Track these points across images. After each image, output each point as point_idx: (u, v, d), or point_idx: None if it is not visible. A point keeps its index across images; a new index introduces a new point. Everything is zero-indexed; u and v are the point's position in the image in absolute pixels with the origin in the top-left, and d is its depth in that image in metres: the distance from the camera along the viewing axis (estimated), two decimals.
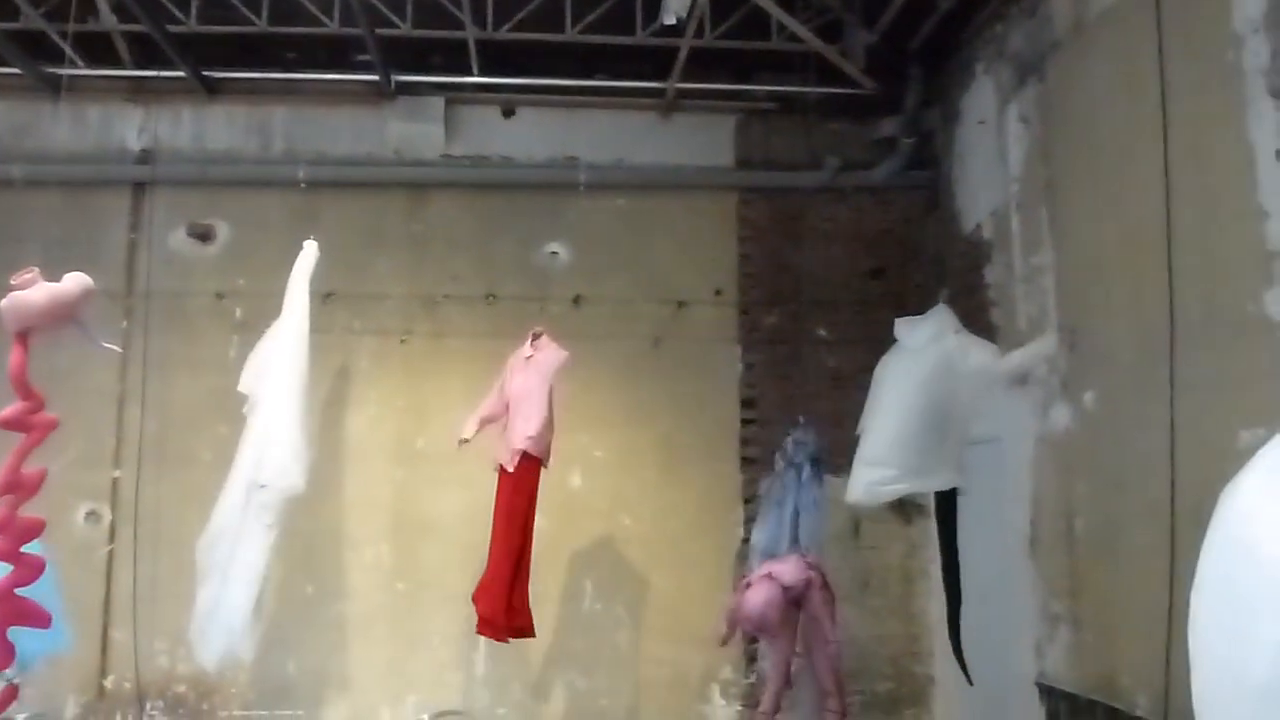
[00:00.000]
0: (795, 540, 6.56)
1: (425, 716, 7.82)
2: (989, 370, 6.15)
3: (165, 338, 8.10)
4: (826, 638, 6.46)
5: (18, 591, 4.64)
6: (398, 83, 8.37)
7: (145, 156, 8.42)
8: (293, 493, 6.16)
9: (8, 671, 4.77)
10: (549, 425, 6.88)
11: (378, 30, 7.68)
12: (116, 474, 8.00)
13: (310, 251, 6.87)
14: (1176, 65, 5.10)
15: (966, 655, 6.46)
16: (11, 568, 4.64)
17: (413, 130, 8.50)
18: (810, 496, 6.71)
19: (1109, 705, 5.64)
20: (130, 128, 8.46)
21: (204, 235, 8.36)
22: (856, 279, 8.55)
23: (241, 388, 6.63)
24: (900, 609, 8.23)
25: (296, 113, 8.55)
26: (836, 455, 6.88)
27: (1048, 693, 6.40)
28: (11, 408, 4.75)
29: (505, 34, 7.88)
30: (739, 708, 8.06)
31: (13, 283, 4.81)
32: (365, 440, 8.16)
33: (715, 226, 8.60)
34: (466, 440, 6.94)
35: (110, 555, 7.89)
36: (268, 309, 7.81)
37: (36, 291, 4.77)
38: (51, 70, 7.81)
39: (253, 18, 7.79)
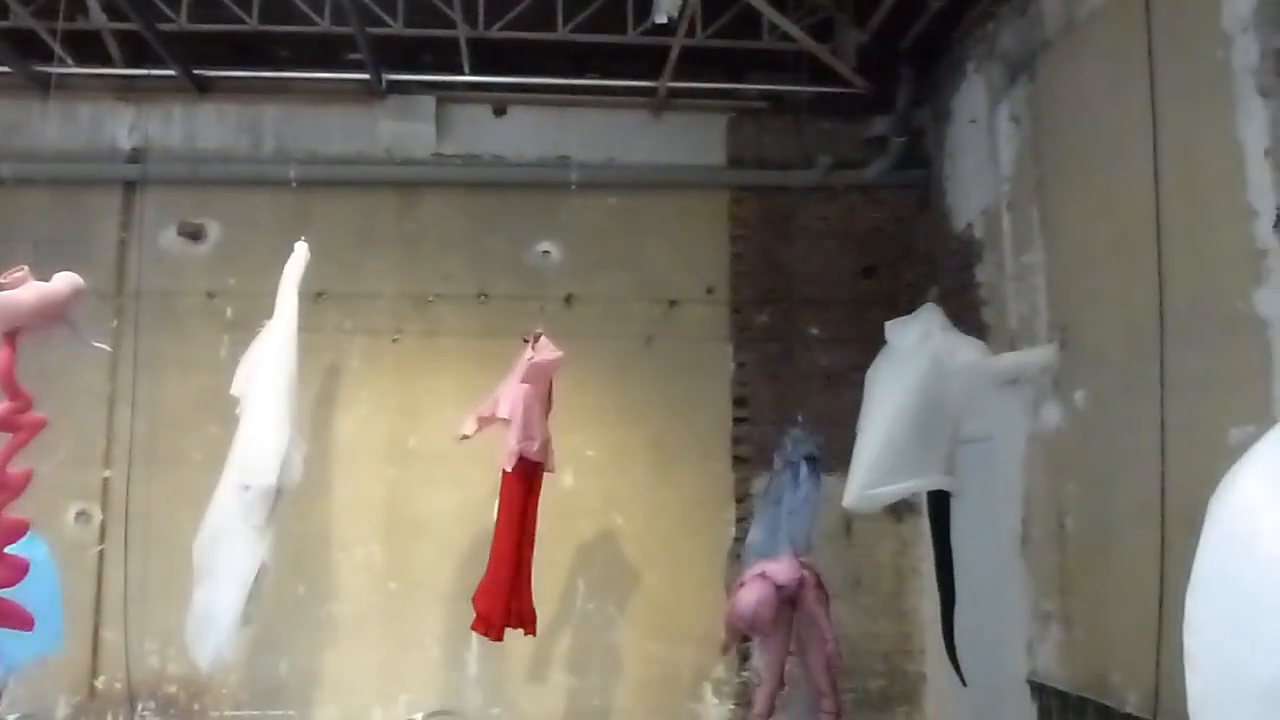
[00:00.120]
0: (789, 539, 6.57)
1: (417, 716, 7.81)
2: (977, 367, 6.15)
3: (156, 337, 8.08)
4: (824, 636, 6.47)
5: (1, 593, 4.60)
6: (389, 81, 8.36)
7: (136, 155, 8.40)
8: (268, 490, 6.13)
9: None
10: (543, 426, 6.87)
11: (369, 29, 7.67)
12: (107, 474, 7.98)
13: (301, 253, 6.85)
14: (1166, 64, 5.11)
15: (960, 656, 6.47)
16: None
17: (404, 129, 8.49)
18: (804, 495, 6.72)
19: (1100, 703, 5.66)
20: (121, 126, 8.43)
21: (195, 234, 8.34)
22: (848, 278, 8.56)
23: (234, 390, 6.61)
24: (892, 607, 8.24)
25: (287, 111, 8.53)
26: (831, 454, 6.88)
27: (1039, 690, 6.42)
28: None
29: (496, 33, 7.86)
30: (731, 706, 8.07)
31: (2, 281, 4.79)
32: (357, 440, 8.15)
33: (707, 225, 8.61)
34: (467, 436, 6.94)
35: (101, 555, 7.86)
36: (259, 308, 7.79)
37: (26, 291, 4.74)
38: (41, 68, 7.77)
39: (243, 16, 7.77)
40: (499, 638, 6.79)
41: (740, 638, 7.12)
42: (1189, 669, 2.54)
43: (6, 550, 4.58)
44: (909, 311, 6.70)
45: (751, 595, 6.25)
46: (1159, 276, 5.09)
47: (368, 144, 8.52)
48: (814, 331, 8.47)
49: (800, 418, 7.03)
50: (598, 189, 8.49)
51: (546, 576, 7.80)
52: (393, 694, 7.90)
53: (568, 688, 8.01)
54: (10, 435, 4.72)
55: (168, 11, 7.71)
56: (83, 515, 7.91)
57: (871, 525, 8.08)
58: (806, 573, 6.43)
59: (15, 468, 4.64)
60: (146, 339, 8.02)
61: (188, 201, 8.35)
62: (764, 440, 8.12)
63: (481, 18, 7.83)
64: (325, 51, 8.35)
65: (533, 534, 6.85)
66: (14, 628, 4.64)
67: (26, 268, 4.85)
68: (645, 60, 8.24)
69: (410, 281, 8.33)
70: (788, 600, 6.37)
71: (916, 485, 6.14)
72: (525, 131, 8.64)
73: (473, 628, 6.81)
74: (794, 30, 7.65)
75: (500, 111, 8.69)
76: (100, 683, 7.76)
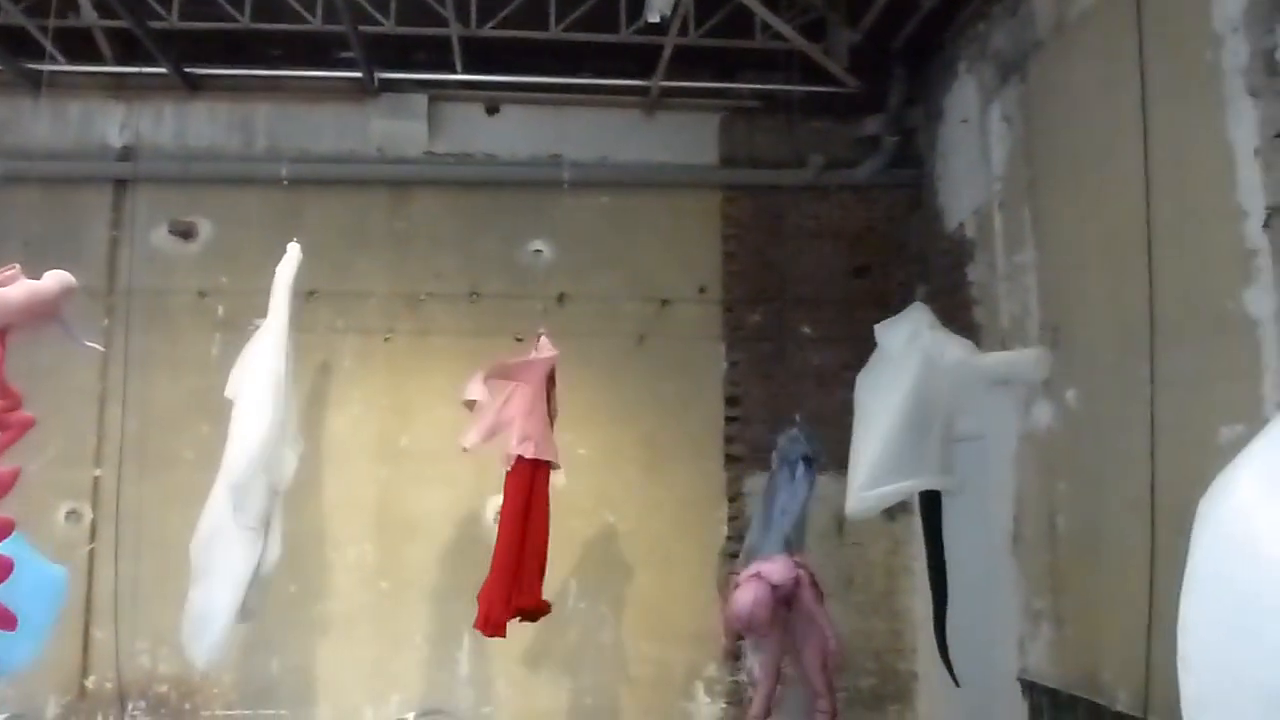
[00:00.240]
0: (783, 539, 6.57)
1: (409, 715, 7.81)
2: (966, 365, 6.16)
3: (147, 336, 8.06)
4: (825, 634, 6.49)
5: None
6: (381, 80, 8.34)
7: (127, 153, 8.37)
8: (237, 488, 6.13)
9: None
10: (539, 426, 6.87)
11: (361, 27, 7.65)
12: (97, 473, 7.96)
13: (293, 254, 6.83)
14: (1157, 65, 5.13)
15: (953, 655, 6.48)
16: None
17: (396, 127, 8.47)
18: (799, 495, 6.73)
19: (1091, 701, 5.68)
20: (111, 124, 8.41)
21: (186, 233, 8.31)
22: (840, 277, 8.57)
23: (227, 393, 6.59)
24: (884, 605, 8.26)
25: (279, 110, 8.51)
26: (824, 453, 6.90)
27: (1030, 688, 6.44)
28: None
29: (489, 31, 7.86)
30: (723, 705, 8.07)
31: None
32: (348, 439, 8.13)
33: (699, 224, 8.61)
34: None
35: (91, 554, 7.84)
36: (250, 307, 7.79)
37: (15, 289, 4.72)
38: (32, 66, 7.73)
39: (235, 14, 7.75)
40: (500, 634, 6.76)
41: (738, 638, 7.13)
42: (1184, 670, 2.52)
43: None
44: (901, 311, 6.72)
45: (747, 596, 6.25)
46: (1149, 276, 5.11)
47: (360, 142, 8.50)
48: (806, 330, 8.48)
49: (796, 417, 7.04)
50: (590, 188, 8.48)
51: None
52: (384, 693, 7.89)
53: (559, 687, 8.01)
54: None
55: (159, 9, 7.69)
56: (73, 514, 7.89)
57: (864, 524, 8.07)
58: (802, 572, 6.43)
59: (3, 466, 4.62)
60: (137, 337, 8.00)
61: (179, 200, 8.33)
62: (756, 439, 8.13)
63: (474, 16, 7.82)
64: (317, 50, 8.33)
65: (540, 531, 6.82)
66: None
67: (18, 266, 4.84)
68: (638, 59, 8.24)
69: (402, 280, 8.32)
70: (783, 600, 6.38)
71: (916, 485, 6.14)
72: (517, 130, 8.64)
73: (475, 625, 6.80)
74: (786, 30, 7.66)
75: (493, 110, 8.68)
76: (90, 682, 7.74)
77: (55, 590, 5.11)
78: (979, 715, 7.03)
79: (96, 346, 6.19)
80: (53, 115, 8.16)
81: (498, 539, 6.83)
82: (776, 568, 6.35)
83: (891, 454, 5.91)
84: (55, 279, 4.84)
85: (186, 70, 8.19)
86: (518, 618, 6.80)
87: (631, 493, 8.22)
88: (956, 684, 6.53)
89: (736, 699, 8.04)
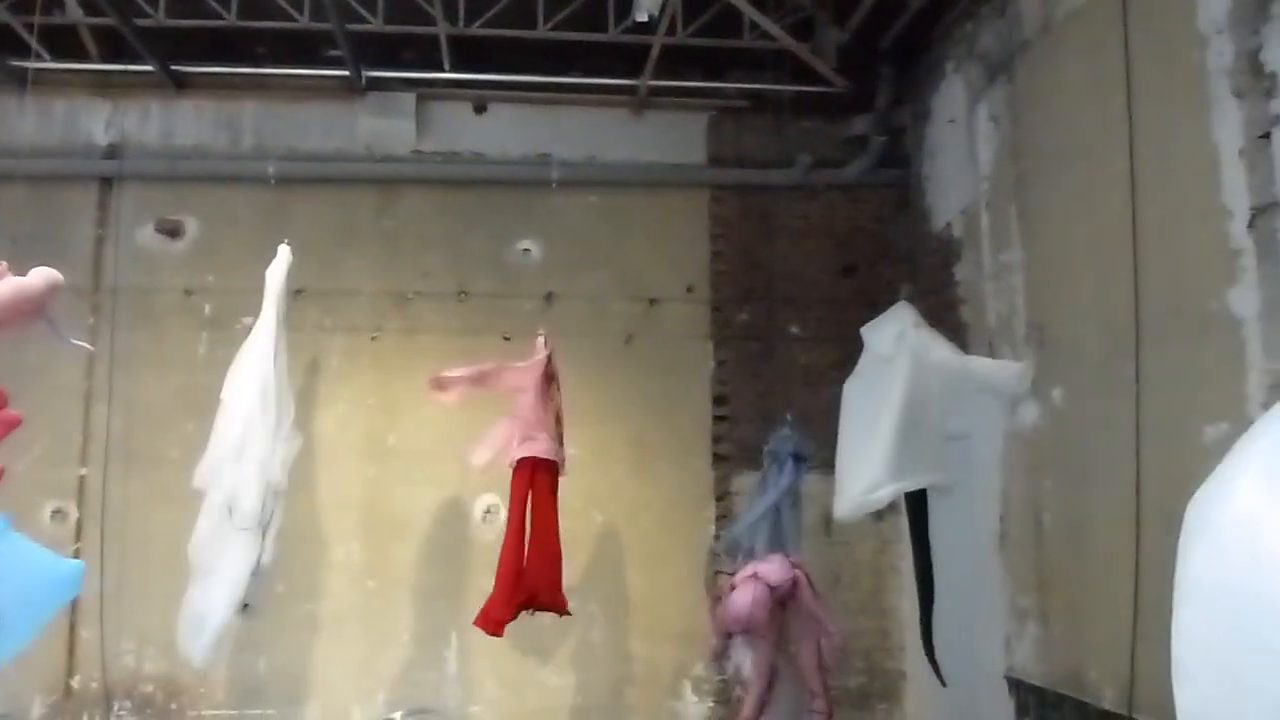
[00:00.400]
0: (778, 539, 6.58)
1: (397, 715, 7.79)
2: (950, 365, 6.17)
3: (133, 334, 8.02)
4: (828, 630, 6.55)
5: None
6: (368, 78, 8.32)
7: (113, 151, 8.34)
8: (207, 492, 6.16)
9: None
10: (539, 427, 6.88)
11: (348, 25, 7.63)
12: (83, 472, 7.92)
13: (283, 256, 6.80)
14: (1143, 66, 5.16)
15: (939, 656, 6.50)
16: None
17: (384, 126, 8.45)
18: (792, 495, 6.74)
19: (1077, 699, 5.71)
20: (97, 122, 8.37)
21: (172, 231, 8.28)
22: (828, 276, 8.58)
23: (223, 395, 6.59)
24: (871, 604, 8.27)
25: (266, 108, 8.48)
26: (812, 452, 6.91)
27: (1017, 686, 6.47)
28: None
29: (477, 30, 7.84)
30: (711, 704, 8.08)
31: None
32: (336, 438, 8.11)
33: (687, 224, 8.61)
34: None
35: (76, 554, 7.78)
36: (237, 306, 7.80)
37: (1, 286, 4.70)
38: (17, 64, 7.69)
39: (222, 12, 7.72)
40: (498, 633, 6.78)
41: (728, 637, 7.13)
42: (1181, 679, 2.46)
43: None
44: (887, 310, 6.73)
45: (746, 596, 6.25)
46: (1135, 275, 5.13)
47: (347, 141, 8.48)
48: (794, 330, 8.50)
49: (788, 416, 7.05)
50: (578, 187, 8.48)
51: None
52: (372, 692, 7.87)
53: (547, 685, 8.00)
54: None
55: (145, 7, 7.66)
56: (58, 514, 7.84)
57: (851, 523, 8.06)
58: (799, 572, 6.44)
59: None
60: (123, 336, 7.97)
61: (165, 198, 8.29)
62: (744, 439, 8.14)
63: (462, 15, 7.80)
64: (304, 48, 8.31)
65: (546, 530, 6.83)
66: None
67: (4, 264, 4.81)
68: (626, 58, 8.24)
69: (390, 279, 8.30)
70: (779, 601, 6.38)
71: (913, 485, 6.13)
72: (506, 129, 8.63)
73: (474, 622, 6.81)
74: (774, 29, 7.67)
75: (480, 109, 8.67)
76: (76, 682, 7.70)
77: (68, 583, 5.05)
78: (966, 713, 7.05)
79: (84, 345, 6.17)
80: (38, 113, 8.12)
81: (504, 537, 6.88)
82: (774, 568, 6.36)
83: (890, 456, 5.91)
84: (41, 276, 4.80)
85: (173, 68, 8.16)
86: (530, 611, 6.83)
87: (620, 492, 8.22)
88: (943, 684, 6.55)
89: (724, 698, 8.05)
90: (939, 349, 6.18)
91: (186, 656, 6.32)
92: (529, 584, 6.75)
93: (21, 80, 7.58)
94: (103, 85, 8.33)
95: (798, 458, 6.78)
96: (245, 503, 6.13)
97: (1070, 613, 5.93)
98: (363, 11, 7.75)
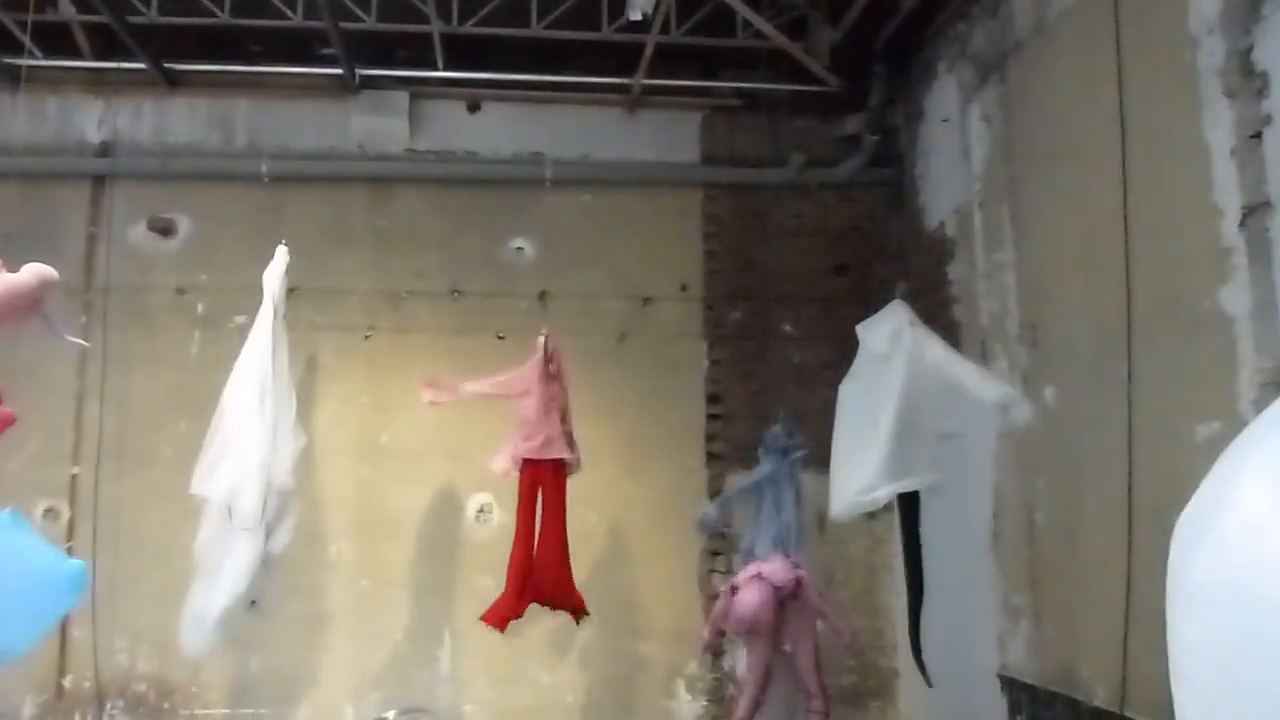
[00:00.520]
0: (779, 539, 6.58)
1: (390, 714, 7.78)
2: (943, 366, 6.17)
3: (125, 333, 8.00)
4: (838, 628, 6.57)
5: None
6: (362, 77, 8.31)
7: (105, 149, 8.32)
8: (204, 497, 6.18)
9: None
10: (542, 426, 6.89)
11: (341, 24, 7.63)
12: (75, 470, 7.90)
13: (281, 257, 6.78)
14: (1134, 66, 5.17)
15: (926, 656, 6.49)
16: None
17: (377, 124, 8.44)
18: (792, 494, 6.75)
19: (1069, 696, 5.72)
20: (90, 120, 8.35)
21: (165, 229, 8.27)
22: (821, 275, 8.59)
23: (223, 397, 6.58)
24: (864, 603, 8.28)
25: (259, 106, 8.47)
26: (807, 451, 6.91)
27: (1009, 685, 6.48)
28: None
29: (470, 28, 7.84)
30: (704, 702, 8.09)
31: None
32: (328, 436, 8.09)
33: (681, 222, 8.62)
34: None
35: (69, 552, 7.76)
36: (230, 304, 7.79)
37: None
38: (10, 61, 7.68)
39: (215, 9, 7.70)
40: (500, 627, 6.83)
41: (720, 635, 7.13)
42: (1183, 689, 2.38)
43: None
44: (881, 309, 6.73)
45: (753, 598, 6.23)
46: (1127, 274, 5.15)
47: (340, 139, 8.47)
48: (787, 328, 8.51)
49: (783, 415, 7.05)
50: (571, 186, 8.49)
51: None
52: (364, 691, 7.87)
53: (540, 684, 8.00)
54: None
55: (138, 4, 7.64)
56: (51, 512, 7.83)
57: (844, 522, 8.09)
58: (801, 572, 6.45)
59: None
60: (116, 335, 7.94)
61: (158, 196, 8.28)
62: (737, 437, 8.15)
63: (455, 13, 7.80)
64: (298, 46, 8.30)
65: (553, 529, 6.88)
66: None
67: None
68: (619, 57, 8.24)
69: (383, 278, 8.30)
70: (781, 601, 6.38)
71: (911, 485, 6.13)
72: (499, 128, 8.62)
73: (480, 618, 6.86)
74: (768, 28, 7.68)
75: (474, 107, 8.67)
76: (68, 681, 7.69)
77: (71, 584, 5.03)
78: (959, 712, 7.07)
79: (80, 341, 6.15)
80: (31, 110, 8.09)
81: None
82: (777, 568, 6.35)
83: (887, 456, 5.90)
84: (33, 272, 4.75)
85: (166, 66, 8.14)
86: (551, 608, 6.94)
87: (612, 490, 8.21)
88: (929, 684, 6.55)
89: (717, 696, 8.06)
90: (934, 349, 6.18)
91: (187, 650, 6.33)
92: (537, 582, 6.80)
93: (14, 77, 7.57)
94: (95, 83, 8.31)
95: (784, 451, 6.78)
96: (245, 503, 6.13)
97: (1063, 611, 5.94)
98: (356, 10, 7.74)
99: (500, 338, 8.01)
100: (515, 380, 7.03)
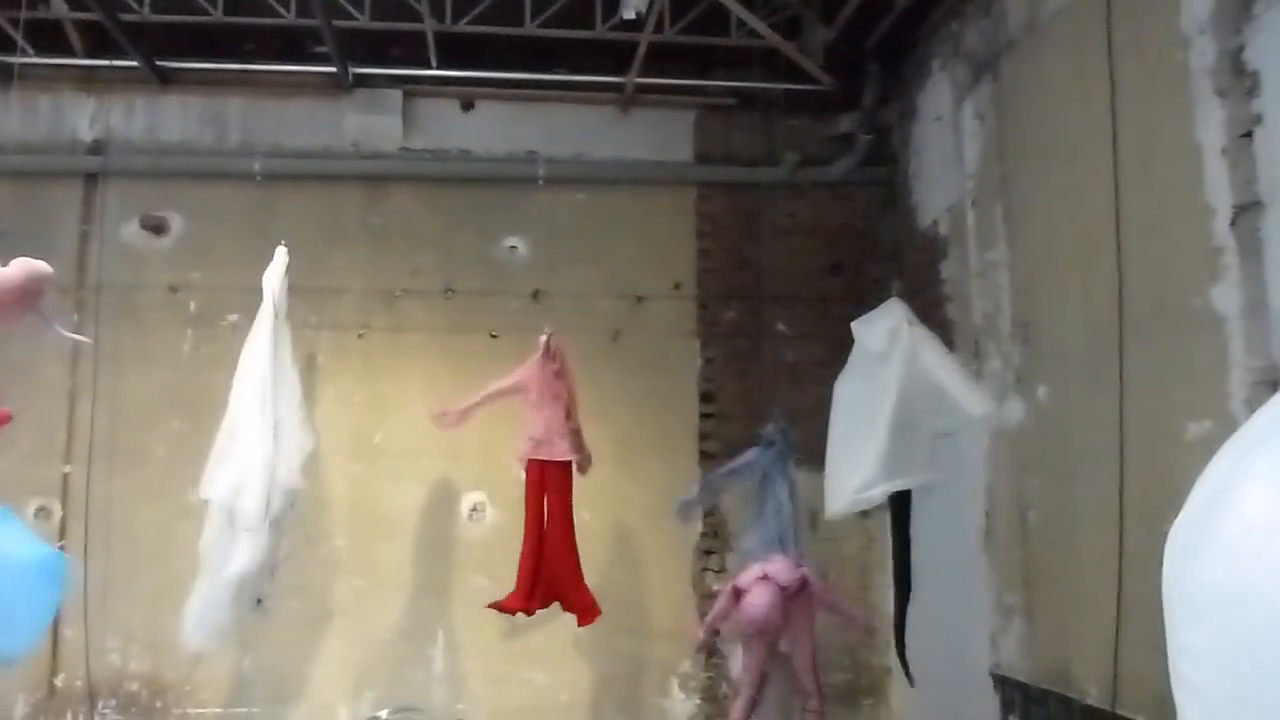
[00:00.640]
0: (781, 538, 6.57)
1: (383, 713, 7.78)
2: (938, 366, 6.17)
3: (117, 331, 7.97)
4: (850, 615, 6.71)
5: None
6: (355, 75, 8.30)
7: (97, 147, 8.29)
8: (208, 500, 6.19)
9: None
10: (545, 427, 6.88)
11: (335, 22, 7.61)
12: (67, 469, 7.88)
13: (280, 259, 6.75)
14: (1126, 65, 5.18)
15: (914, 654, 6.49)
16: None
17: (370, 123, 8.43)
18: (790, 493, 6.74)
19: (1061, 695, 5.73)
20: (82, 118, 8.33)
21: (157, 227, 8.25)
22: (815, 274, 8.60)
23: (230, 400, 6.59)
24: (858, 600, 8.22)
25: (252, 104, 8.45)
26: (802, 450, 6.92)
27: (1002, 683, 6.49)
28: None
29: (464, 27, 7.84)
30: (698, 701, 8.09)
31: None
32: (322, 435, 7.99)
33: (674, 221, 8.62)
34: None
35: (61, 551, 7.76)
36: (222, 303, 7.79)
37: None
38: (2, 59, 7.64)
39: (207, 7, 7.70)
40: (511, 613, 6.88)
41: (714, 634, 7.12)
42: (1186, 695, 2.38)
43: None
44: (876, 307, 6.72)
45: (763, 599, 6.20)
46: (1119, 273, 5.15)
47: (334, 138, 8.46)
48: (781, 327, 8.51)
49: (777, 413, 7.05)
50: (565, 184, 8.48)
51: (512, 571, 7.80)
52: (358, 690, 7.86)
53: (534, 683, 7.99)
54: None
55: (131, 2, 7.62)
56: (42, 511, 7.81)
57: (837, 520, 8.10)
58: (805, 570, 6.45)
59: None
60: (108, 333, 7.91)
61: (150, 194, 8.26)
62: (731, 436, 8.14)
63: (449, 12, 7.80)
64: (291, 44, 8.29)
65: (560, 529, 6.84)
66: None
67: None
68: (613, 56, 8.24)
69: (377, 276, 8.29)
70: (786, 601, 6.37)
71: (904, 484, 6.12)
72: (493, 126, 8.62)
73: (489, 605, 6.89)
74: (761, 27, 7.68)
75: (468, 106, 8.66)
76: (60, 680, 7.67)
77: (54, 578, 5.02)
78: (951, 710, 7.08)
79: (78, 337, 6.13)
80: (23, 108, 8.08)
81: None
82: (782, 568, 6.32)
83: (883, 454, 5.90)
84: (20, 267, 4.69)
85: (158, 64, 8.13)
86: (564, 607, 6.94)
87: (606, 489, 8.17)
88: (911, 683, 6.55)
89: (711, 695, 8.06)
90: (930, 349, 6.18)
91: (188, 647, 6.33)
92: (549, 582, 6.80)
93: (6, 75, 7.54)
94: (88, 81, 8.28)
95: (771, 443, 6.79)
96: (248, 503, 6.13)
97: (1055, 609, 5.95)
98: (349, 8, 7.73)
99: (494, 336, 8.02)
100: (514, 380, 7.00)
